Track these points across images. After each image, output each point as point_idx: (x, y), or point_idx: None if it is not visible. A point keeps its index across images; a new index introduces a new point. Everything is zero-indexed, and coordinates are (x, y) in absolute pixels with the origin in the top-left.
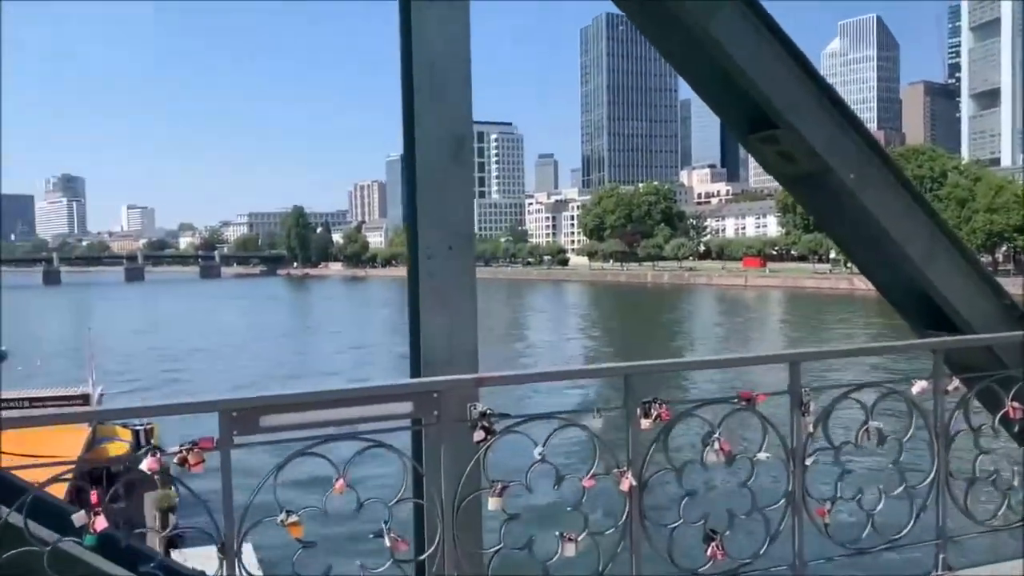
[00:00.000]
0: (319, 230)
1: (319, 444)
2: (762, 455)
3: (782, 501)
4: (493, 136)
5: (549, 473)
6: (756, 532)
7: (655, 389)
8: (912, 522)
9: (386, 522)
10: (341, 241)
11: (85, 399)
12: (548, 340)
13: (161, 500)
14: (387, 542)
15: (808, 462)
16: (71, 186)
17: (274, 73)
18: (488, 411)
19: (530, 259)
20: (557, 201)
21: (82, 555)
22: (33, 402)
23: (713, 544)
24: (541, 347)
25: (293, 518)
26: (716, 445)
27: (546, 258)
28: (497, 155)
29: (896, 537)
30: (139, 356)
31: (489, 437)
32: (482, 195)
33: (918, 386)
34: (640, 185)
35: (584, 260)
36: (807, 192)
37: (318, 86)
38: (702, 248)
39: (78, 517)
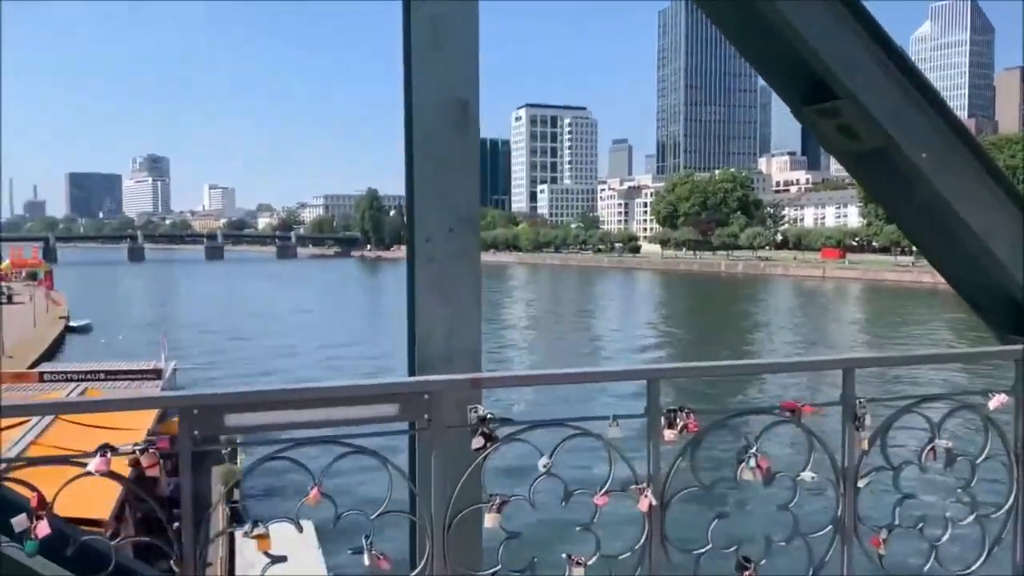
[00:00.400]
0: (392, 213)
1: (290, 449)
2: (807, 474)
3: (829, 527)
4: (567, 120)
5: (557, 487)
6: (798, 561)
7: (719, 396)
8: (984, 556)
9: (367, 536)
10: None
11: (157, 373)
12: (617, 330)
13: (226, 475)
14: (366, 560)
15: (861, 484)
16: (156, 166)
17: (353, 57)
18: (489, 415)
19: (600, 246)
20: (630, 187)
21: (25, 561)
22: (108, 375)
23: (746, 574)
24: (609, 338)
25: (260, 530)
26: (753, 462)
27: (617, 245)
28: (570, 140)
29: (964, 573)
30: (214, 333)
31: (489, 445)
32: (554, 180)
33: (996, 400)
34: (716, 172)
35: (656, 248)
36: (871, 172)
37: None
38: (779, 238)
39: (18, 521)
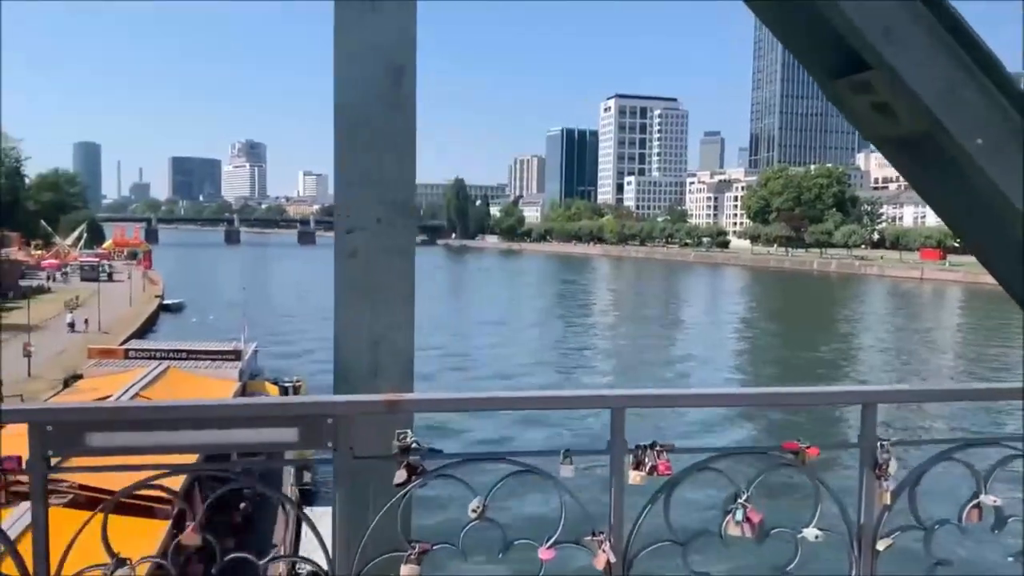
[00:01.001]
0: (478, 203)
1: (163, 476)
2: (812, 531)
3: None
4: (656, 112)
5: (496, 535)
6: None
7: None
8: None
9: None
10: (498, 214)
11: (237, 355)
12: (701, 334)
13: (296, 456)
14: None
15: (882, 546)
16: (254, 152)
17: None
18: (414, 444)
19: (688, 240)
20: (720, 181)
21: None
22: (190, 354)
23: None
24: (692, 339)
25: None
26: (741, 514)
27: (705, 240)
28: (660, 131)
29: None
30: (300, 317)
31: (414, 480)
32: (642, 172)
33: None
34: (811, 167)
35: (745, 244)
36: (912, 160)
37: (488, 62)
38: (875, 236)
39: None
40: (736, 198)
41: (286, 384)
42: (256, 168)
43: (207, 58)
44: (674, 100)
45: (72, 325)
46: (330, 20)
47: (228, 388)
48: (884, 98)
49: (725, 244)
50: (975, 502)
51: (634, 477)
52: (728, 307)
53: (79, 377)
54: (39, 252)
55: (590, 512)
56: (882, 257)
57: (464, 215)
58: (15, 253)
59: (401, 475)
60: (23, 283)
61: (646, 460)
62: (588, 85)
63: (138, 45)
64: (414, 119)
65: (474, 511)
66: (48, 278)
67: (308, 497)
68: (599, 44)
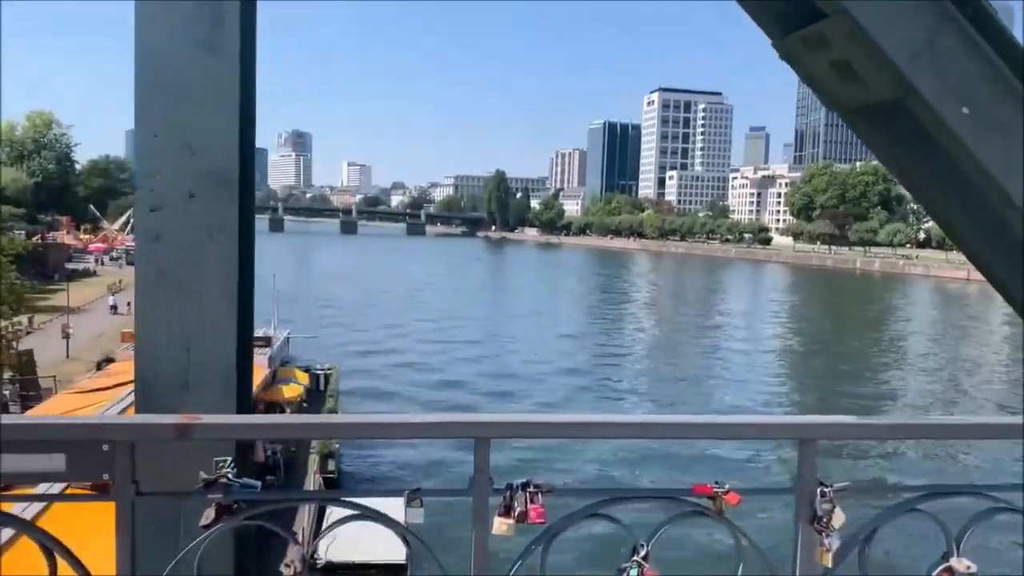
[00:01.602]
0: (518, 195)
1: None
2: None
3: None
4: (701, 106)
5: None
6: None
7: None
8: None
9: None
10: (538, 207)
11: (267, 341)
12: (740, 333)
13: (321, 445)
14: None
15: None
16: (300, 141)
17: (490, 46)
18: (226, 478)
19: (729, 236)
20: (764, 176)
21: None
22: None
23: None
24: (732, 335)
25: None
26: (636, 572)
27: (746, 236)
28: (703, 126)
29: None
30: (337, 304)
31: (225, 521)
32: (684, 167)
33: None
34: (857, 164)
35: (788, 240)
36: (878, 130)
37: (531, 55)
38: (921, 235)
39: None
40: (779, 194)
41: (318, 371)
42: (301, 158)
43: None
44: (719, 95)
45: (115, 307)
46: None
47: (258, 374)
48: (844, 55)
49: (767, 241)
50: (944, 566)
51: (499, 526)
52: (767, 309)
53: (111, 360)
54: (87, 236)
55: (447, 561)
56: (917, 256)
57: (504, 207)
58: (63, 237)
59: (208, 515)
60: (69, 266)
61: (515, 504)
62: (632, 79)
63: None
64: (236, 68)
65: (288, 566)
66: (96, 261)
67: (332, 485)
68: (643, 37)
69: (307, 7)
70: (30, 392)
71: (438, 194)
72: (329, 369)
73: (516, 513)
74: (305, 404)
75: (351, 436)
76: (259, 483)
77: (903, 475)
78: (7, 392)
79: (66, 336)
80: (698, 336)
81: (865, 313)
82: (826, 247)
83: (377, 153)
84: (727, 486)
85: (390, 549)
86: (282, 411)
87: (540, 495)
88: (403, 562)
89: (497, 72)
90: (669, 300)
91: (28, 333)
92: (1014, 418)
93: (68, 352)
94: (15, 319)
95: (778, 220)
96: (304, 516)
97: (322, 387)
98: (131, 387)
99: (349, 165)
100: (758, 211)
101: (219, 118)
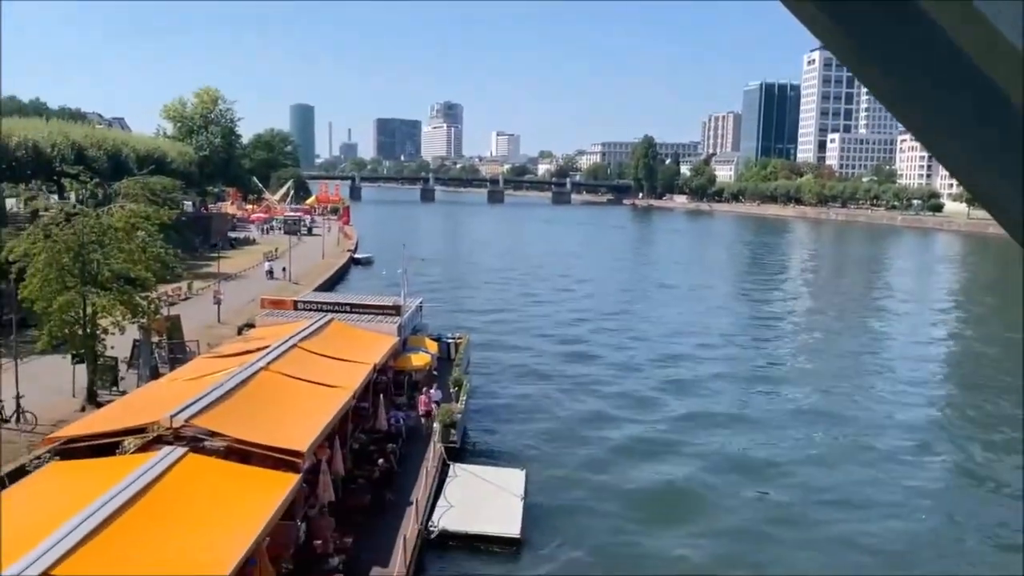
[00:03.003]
0: (667, 161)
1: None
2: None
3: None
4: None
5: None
6: None
7: None
8: None
9: None
10: (688, 173)
11: (397, 310)
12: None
13: (443, 414)
14: None
15: None
16: (452, 112)
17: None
18: None
19: (895, 203)
20: None
21: None
22: (353, 308)
23: None
24: (896, 322)
25: None
26: None
27: (915, 202)
28: None
29: None
30: (478, 273)
31: None
32: (847, 129)
33: None
34: None
35: (962, 207)
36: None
37: (681, 19)
38: None
39: None
40: None
41: (448, 340)
42: (452, 129)
43: (403, 30)
44: None
45: (271, 272)
46: None
47: (387, 343)
48: None
49: (938, 207)
50: None
51: None
52: (936, 286)
53: (252, 326)
54: (251, 206)
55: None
56: None
57: (652, 174)
58: (228, 207)
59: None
60: (232, 235)
61: None
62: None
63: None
64: None
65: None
66: (260, 230)
67: (453, 454)
68: None
69: None
70: (177, 356)
71: (585, 162)
72: (459, 338)
73: None
74: (435, 372)
75: None
76: None
77: None
78: (156, 356)
79: (217, 302)
80: (863, 316)
81: None
82: None
83: (526, 123)
84: None
85: (505, 521)
86: (410, 379)
87: None
88: (517, 535)
89: (648, 35)
90: (825, 275)
91: (186, 299)
92: None
93: (219, 316)
94: (173, 286)
95: (951, 185)
96: (421, 486)
97: (452, 356)
98: (259, 354)
99: (498, 135)
100: (929, 176)
101: None
